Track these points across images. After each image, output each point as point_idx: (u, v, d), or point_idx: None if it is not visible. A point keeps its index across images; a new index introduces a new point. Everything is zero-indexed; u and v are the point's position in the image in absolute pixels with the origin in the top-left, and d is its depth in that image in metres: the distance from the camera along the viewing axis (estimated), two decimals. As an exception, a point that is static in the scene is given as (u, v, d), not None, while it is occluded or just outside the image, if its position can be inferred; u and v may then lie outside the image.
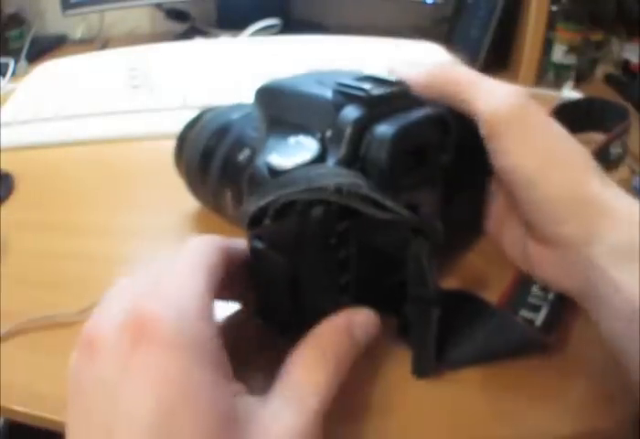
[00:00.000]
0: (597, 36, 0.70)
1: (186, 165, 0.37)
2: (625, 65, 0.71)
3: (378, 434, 0.26)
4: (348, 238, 0.25)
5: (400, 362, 0.29)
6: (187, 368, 0.18)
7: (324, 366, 0.22)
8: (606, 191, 0.25)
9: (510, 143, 0.26)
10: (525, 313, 0.29)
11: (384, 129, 0.24)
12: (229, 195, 0.34)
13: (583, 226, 0.25)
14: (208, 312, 0.21)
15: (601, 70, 0.72)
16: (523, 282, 0.31)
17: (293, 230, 0.23)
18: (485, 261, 0.34)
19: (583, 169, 0.26)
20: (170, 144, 0.39)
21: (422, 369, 0.28)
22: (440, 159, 0.28)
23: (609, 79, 0.70)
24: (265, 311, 0.27)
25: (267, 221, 0.24)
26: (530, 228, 0.28)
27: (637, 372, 0.22)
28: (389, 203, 0.23)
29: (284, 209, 0.23)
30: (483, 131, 0.27)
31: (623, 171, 0.48)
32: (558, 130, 0.27)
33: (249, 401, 0.20)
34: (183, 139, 0.38)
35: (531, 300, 0.30)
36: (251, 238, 0.25)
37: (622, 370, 0.24)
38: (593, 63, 0.72)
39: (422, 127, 0.26)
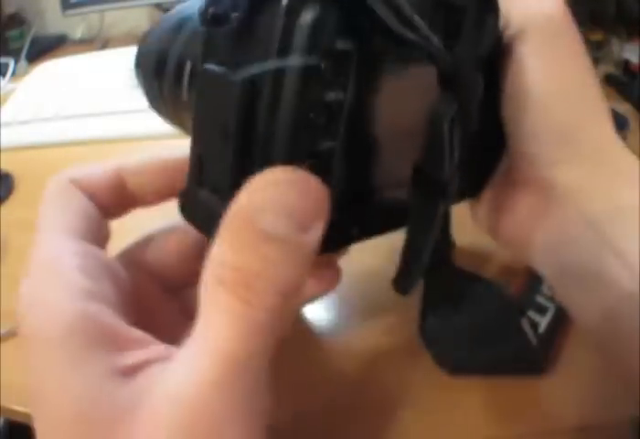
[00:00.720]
0: (597, 36, 0.70)
1: (142, 78, 0.30)
2: (625, 65, 0.71)
3: (377, 434, 0.26)
4: (348, 69, 0.17)
5: (401, 361, 0.29)
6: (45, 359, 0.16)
7: (239, 292, 0.15)
8: (616, 144, 0.22)
9: (536, 54, 0.22)
10: (532, 314, 0.29)
11: None
12: (188, 68, 0.23)
13: (584, 173, 0.21)
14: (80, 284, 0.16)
15: (601, 70, 0.72)
16: (534, 279, 0.31)
17: (270, 36, 0.16)
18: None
19: (603, 113, 0.22)
20: (170, 144, 0.39)
21: (406, 283, 0.22)
22: (473, 46, 0.20)
23: (609, 79, 0.70)
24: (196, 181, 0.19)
25: (234, 17, 0.17)
26: (518, 169, 0.23)
27: (631, 353, 0.20)
28: (417, 19, 0.16)
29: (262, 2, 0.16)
30: (508, 34, 0.22)
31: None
32: (586, 57, 0.23)
33: (149, 373, 0.15)
34: (139, 53, 0.30)
35: (539, 300, 0.30)
36: (203, 61, 0.17)
37: (611, 359, 0.22)
38: (593, 63, 0.71)
39: None
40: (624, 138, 0.49)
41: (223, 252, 0.15)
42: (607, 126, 0.22)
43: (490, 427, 0.27)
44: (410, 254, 0.21)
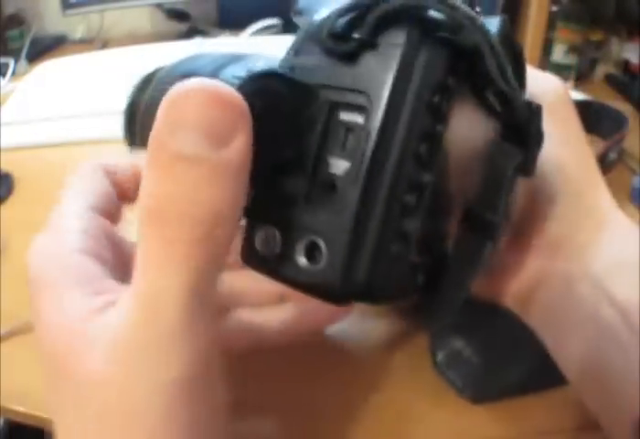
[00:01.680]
0: (597, 36, 0.70)
1: (141, 139, 0.27)
2: (625, 65, 0.71)
3: (378, 436, 0.26)
4: (450, 105, 0.17)
5: (403, 368, 0.29)
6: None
7: (155, 223, 0.14)
8: (615, 206, 0.24)
9: (549, 126, 0.23)
10: None
11: None
12: None
13: (591, 232, 0.23)
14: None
15: (601, 70, 0.72)
16: None
17: (386, 65, 0.16)
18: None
19: (600, 177, 0.25)
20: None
21: (434, 318, 0.20)
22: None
23: (609, 79, 0.70)
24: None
25: (355, 38, 0.16)
26: (524, 231, 0.24)
27: (626, 388, 0.21)
28: (509, 70, 0.17)
29: (385, 25, 0.16)
30: None
31: (616, 172, 0.49)
32: (582, 128, 0.26)
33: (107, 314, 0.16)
34: (134, 105, 0.27)
35: None
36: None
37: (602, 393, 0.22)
38: (593, 63, 0.72)
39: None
40: (623, 138, 0.49)
41: (145, 181, 0.14)
42: (605, 189, 0.24)
43: (490, 427, 0.27)
44: (445, 292, 0.20)
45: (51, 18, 0.95)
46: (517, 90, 0.18)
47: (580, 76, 0.70)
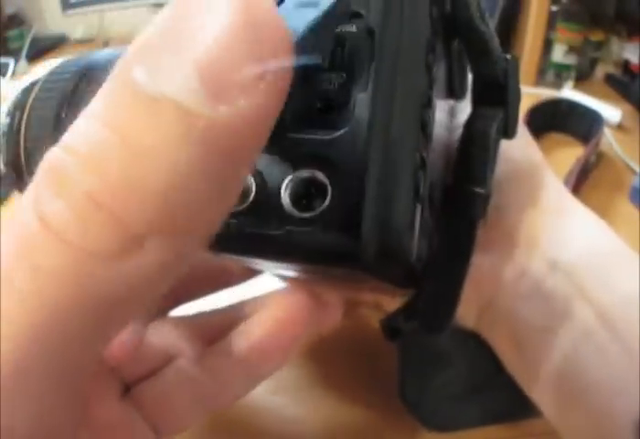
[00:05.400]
0: (597, 36, 0.70)
1: (26, 149, 0.21)
2: (625, 65, 0.71)
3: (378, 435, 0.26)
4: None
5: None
6: None
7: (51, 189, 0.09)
8: (562, 189, 0.23)
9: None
10: None
11: None
12: None
13: (536, 215, 0.21)
14: None
15: (601, 70, 0.72)
16: None
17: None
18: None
19: (544, 162, 0.23)
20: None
21: (436, 322, 0.19)
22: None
23: (609, 79, 0.70)
24: None
25: None
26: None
27: (603, 395, 0.20)
28: (487, 17, 0.16)
29: None
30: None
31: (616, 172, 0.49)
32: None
33: None
34: (17, 110, 0.21)
35: None
36: None
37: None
38: (593, 63, 0.72)
39: None
40: (600, 140, 0.50)
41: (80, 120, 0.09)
42: (555, 176, 0.23)
43: (489, 428, 0.27)
44: (443, 288, 0.17)
45: (51, 18, 0.95)
46: (494, 36, 0.16)
47: (580, 76, 0.70)
